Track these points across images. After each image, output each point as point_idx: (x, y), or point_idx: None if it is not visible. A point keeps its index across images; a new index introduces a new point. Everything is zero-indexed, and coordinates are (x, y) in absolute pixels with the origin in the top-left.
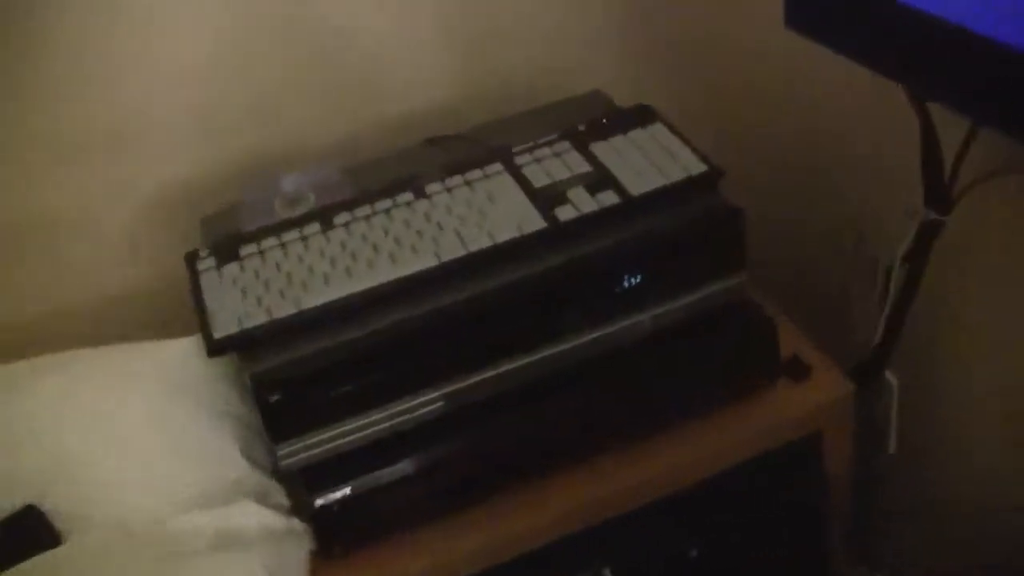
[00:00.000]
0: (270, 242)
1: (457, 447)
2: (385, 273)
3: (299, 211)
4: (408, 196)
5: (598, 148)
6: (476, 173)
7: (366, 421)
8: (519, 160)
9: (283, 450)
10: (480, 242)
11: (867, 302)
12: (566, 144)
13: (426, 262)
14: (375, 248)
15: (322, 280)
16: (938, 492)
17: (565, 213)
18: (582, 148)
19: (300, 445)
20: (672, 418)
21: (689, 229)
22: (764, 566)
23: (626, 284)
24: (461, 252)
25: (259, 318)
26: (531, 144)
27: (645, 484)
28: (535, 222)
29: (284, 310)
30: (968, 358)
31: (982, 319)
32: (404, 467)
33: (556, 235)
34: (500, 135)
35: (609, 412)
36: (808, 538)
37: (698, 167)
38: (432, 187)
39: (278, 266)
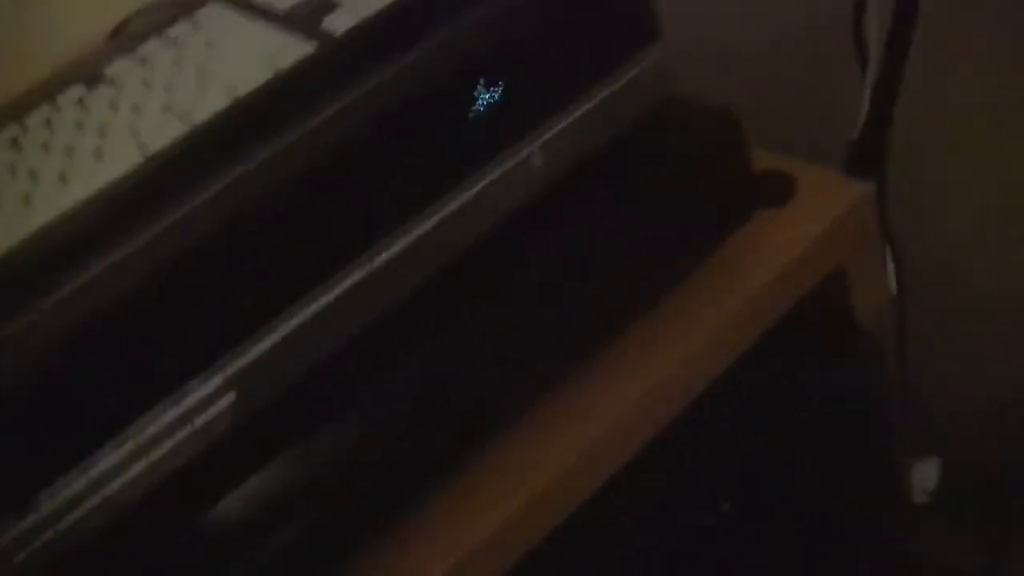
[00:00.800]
0: None
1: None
2: (54, 206)
3: None
4: (77, 91)
5: None
6: (182, 26)
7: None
8: None
9: None
10: (210, 105)
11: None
12: None
13: (124, 164)
14: (33, 177)
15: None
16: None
17: (340, 22)
18: None
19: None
20: (623, 311)
21: None
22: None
23: (480, 105)
24: (180, 129)
25: None
26: None
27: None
28: (294, 48)
29: None
30: None
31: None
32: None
33: (336, 59)
34: None
35: (541, 328)
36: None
37: None
38: (115, 67)
39: None
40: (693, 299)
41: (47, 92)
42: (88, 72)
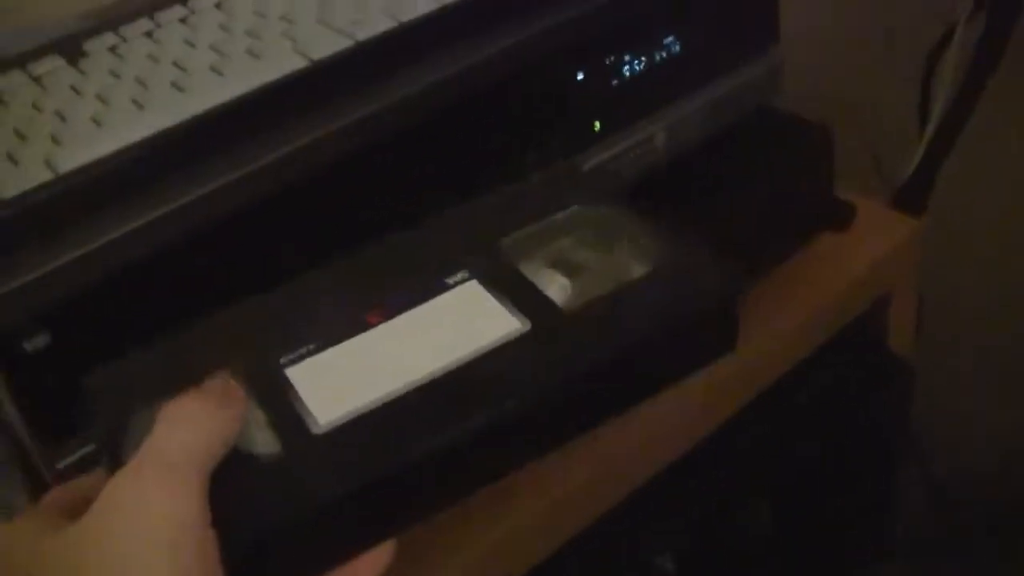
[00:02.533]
0: None
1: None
2: (212, 95)
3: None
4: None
5: None
6: None
7: None
8: None
9: (67, 460)
10: (374, 26)
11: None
12: None
13: (284, 66)
14: (180, 67)
15: (88, 125)
16: None
17: None
18: None
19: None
20: None
21: None
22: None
23: (627, 72)
24: (345, 43)
25: None
26: None
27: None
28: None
29: (23, 182)
30: None
31: None
32: None
33: (498, 4)
34: None
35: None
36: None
37: None
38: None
39: None
40: (756, 311)
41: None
42: None
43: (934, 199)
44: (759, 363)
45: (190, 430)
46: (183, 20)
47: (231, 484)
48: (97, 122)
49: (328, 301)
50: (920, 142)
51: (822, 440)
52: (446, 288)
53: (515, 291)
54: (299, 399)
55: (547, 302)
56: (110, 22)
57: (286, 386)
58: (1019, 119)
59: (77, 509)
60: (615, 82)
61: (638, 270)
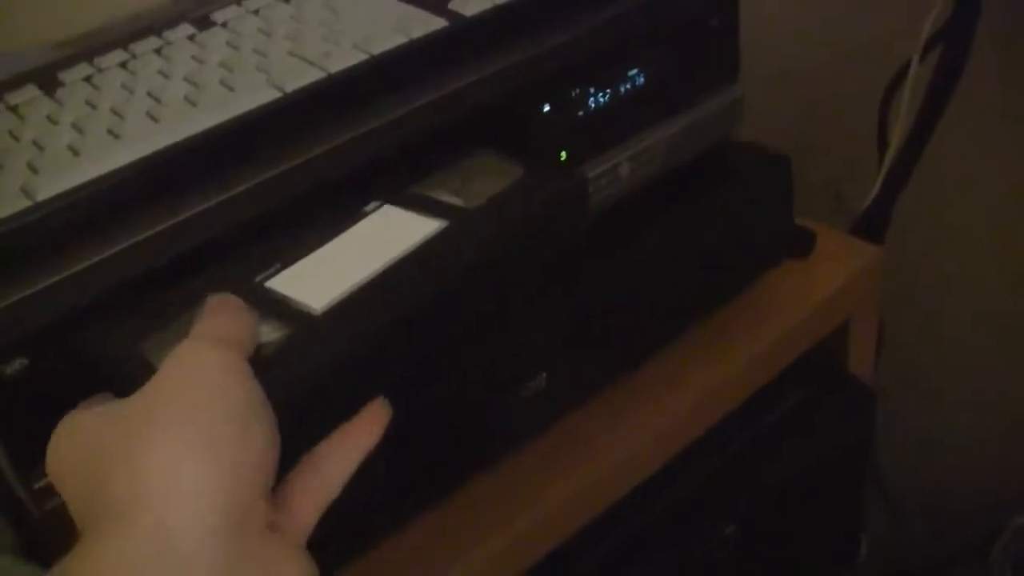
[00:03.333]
0: None
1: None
2: (186, 126)
3: None
4: (186, 30)
5: None
6: None
7: None
8: None
9: (44, 481)
10: (345, 59)
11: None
12: None
13: (257, 97)
14: (154, 97)
15: (65, 154)
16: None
17: (470, 7)
18: None
19: None
20: (662, 332)
21: (675, 12)
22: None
23: (592, 104)
24: (317, 75)
25: None
26: None
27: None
28: (428, 22)
29: (1, 209)
30: None
31: None
32: None
33: (465, 39)
34: None
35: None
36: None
37: None
38: (224, 13)
39: None
40: (719, 337)
41: (147, 29)
42: (193, 15)
43: (893, 226)
44: (723, 388)
45: (232, 318)
46: (157, 51)
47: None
48: (74, 151)
49: (284, 236)
50: (879, 171)
51: (787, 463)
52: (367, 214)
53: (423, 206)
54: (289, 298)
55: (451, 205)
56: (86, 52)
57: (273, 294)
58: (977, 144)
59: None
60: (580, 113)
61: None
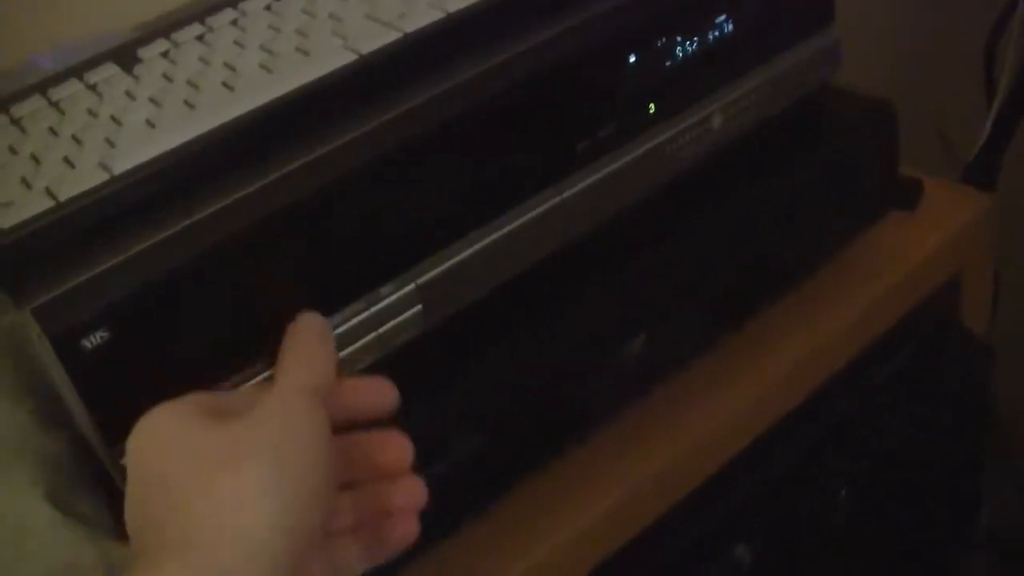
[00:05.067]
0: (31, 106)
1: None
2: (263, 91)
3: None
4: (260, 1)
5: None
6: None
7: None
8: None
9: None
10: (421, 18)
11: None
12: None
13: (335, 60)
14: (230, 67)
15: (143, 128)
16: None
17: None
18: None
19: None
20: (767, 289)
21: None
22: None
23: (680, 53)
24: (393, 36)
25: (30, 208)
26: None
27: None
28: None
29: (79, 183)
30: None
31: None
32: None
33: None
34: None
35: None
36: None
37: None
38: None
39: (53, 131)
40: (826, 291)
41: (223, 2)
42: None
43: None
44: (829, 347)
45: (318, 359)
46: (234, 22)
47: None
48: (151, 124)
49: None
50: (987, 114)
51: (898, 423)
52: None
53: None
54: None
55: None
56: (163, 30)
57: None
58: None
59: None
60: (668, 64)
61: None
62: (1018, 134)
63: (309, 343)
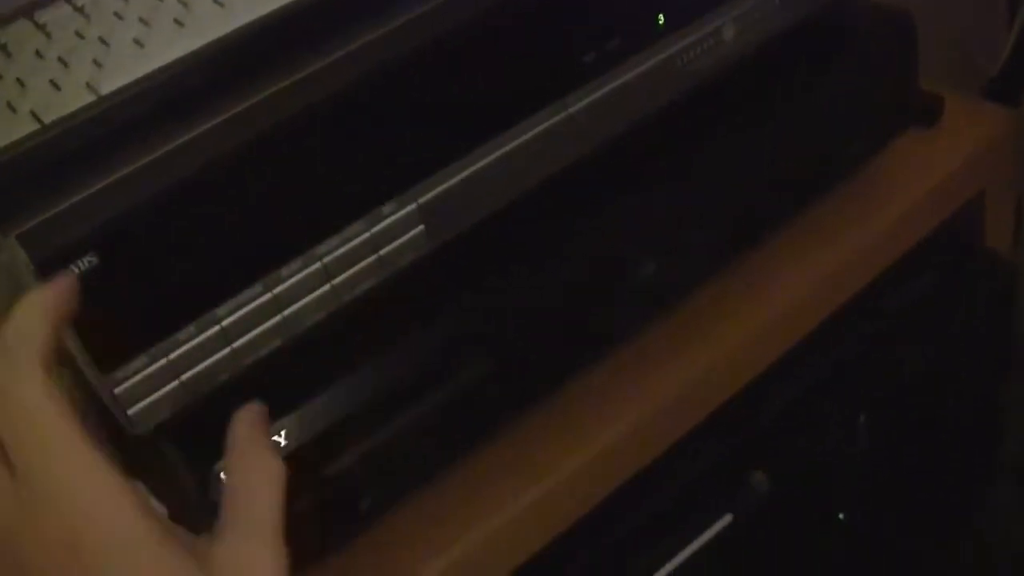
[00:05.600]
0: (16, 29)
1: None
2: (255, 5)
3: None
4: None
5: None
6: None
7: (279, 291)
8: None
9: (121, 386)
10: None
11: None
12: None
13: None
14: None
15: (131, 48)
16: None
17: None
18: None
19: (157, 366)
20: (781, 208)
21: None
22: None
23: None
24: None
25: (15, 131)
26: None
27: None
28: None
29: (65, 105)
30: None
31: None
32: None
33: None
34: None
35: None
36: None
37: None
38: None
39: (39, 54)
40: (842, 212)
41: None
42: None
43: None
44: (847, 269)
45: (265, 493)
46: None
47: None
48: (139, 43)
49: None
50: (1010, 29)
51: (920, 348)
52: None
53: None
54: None
55: None
56: None
57: None
58: None
59: None
60: None
61: None
62: None
63: (259, 473)
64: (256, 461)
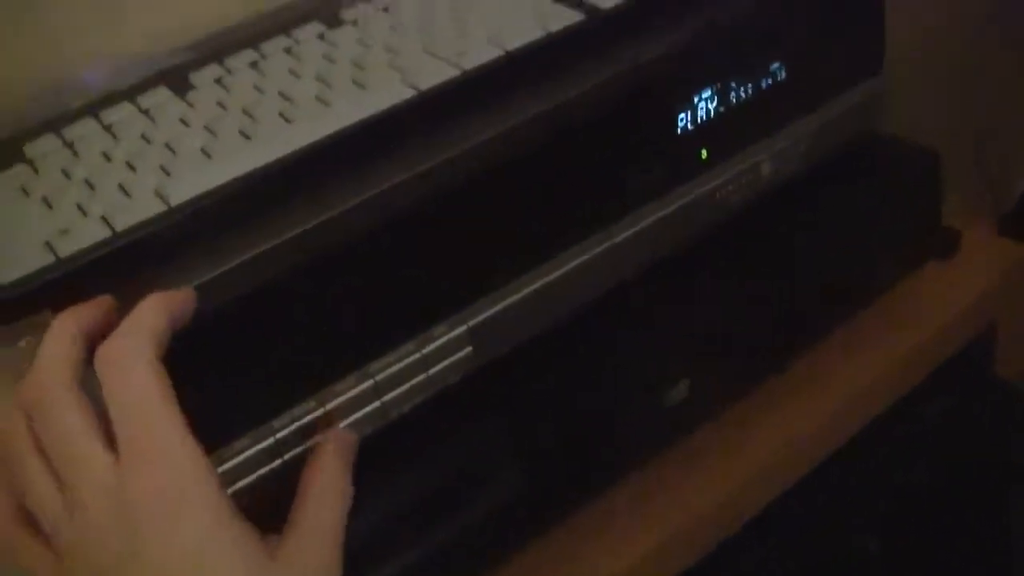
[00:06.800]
0: (83, 128)
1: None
2: (320, 124)
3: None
4: (315, 28)
5: None
6: None
7: (331, 407)
8: None
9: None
10: (480, 55)
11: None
12: None
13: (393, 95)
14: (286, 98)
15: (198, 156)
16: None
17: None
18: None
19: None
20: (803, 335)
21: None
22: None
23: (733, 99)
24: (452, 73)
25: (90, 235)
26: None
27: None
28: (563, 15)
29: (136, 212)
30: None
31: None
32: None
33: (604, 32)
34: None
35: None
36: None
37: None
38: (352, 11)
39: (106, 156)
40: (862, 338)
41: (275, 25)
42: (323, 13)
43: None
44: (864, 395)
45: (334, 503)
46: (287, 50)
47: None
48: (207, 153)
49: None
50: None
51: (932, 469)
52: None
53: None
54: None
55: None
56: (215, 53)
57: None
58: None
59: None
60: (722, 109)
61: None
62: None
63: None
64: (332, 476)
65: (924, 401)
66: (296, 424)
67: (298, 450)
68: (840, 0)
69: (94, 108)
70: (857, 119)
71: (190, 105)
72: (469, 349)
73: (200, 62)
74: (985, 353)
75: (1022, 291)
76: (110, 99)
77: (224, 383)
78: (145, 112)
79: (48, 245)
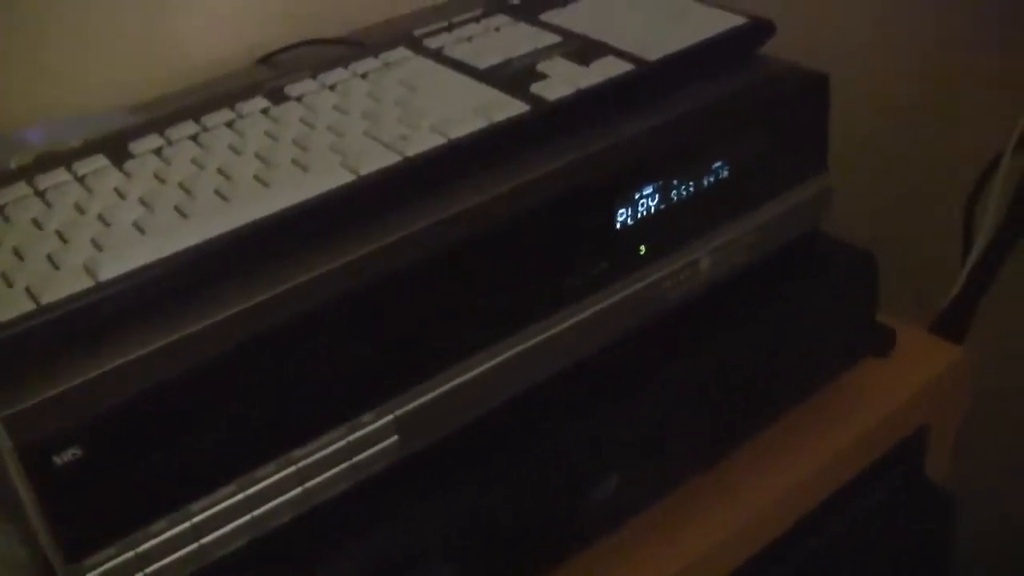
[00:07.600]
0: (16, 192)
1: (437, 519)
2: (257, 205)
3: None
4: (259, 103)
5: (555, 16)
6: (370, 63)
7: (252, 492)
8: (433, 42)
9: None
10: (423, 142)
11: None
12: (502, 18)
13: (331, 180)
14: (224, 175)
15: (131, 232)
16: None
17: (551, 90)
18: (530, 18)
19: (124, 558)
20: (739, 429)
21: (762, 100)
22: None
23: (674, 196)
24: (394, 159)
25: (10, 309)
26: (444, 24)
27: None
28: (509, 106)
29: (62, 288)
30: None
31: None
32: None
33: (548, 124)
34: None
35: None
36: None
37: (735, 20)
38: (299, 87)
39: (37, 223)
40: (794, 435)
41: (220, 100)
42: (267, 88)
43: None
44: (796, 491)
45: None
46: (229, 124)
47: None
48: (140, 228)
49: None
50: (962, 268)
51: (861, 570)
52: None
53: None
54: None
55: None
56: (157, 123)
57: None
58: None
59: None
60: (662, 206)
61: None
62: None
63: None
64: None
65: (854, 500)
66: (215, 508)
67: (214, 535)
68: (784, 100)
69: (29, 172)
70: (801, 217)
71: (127, 175)
72: (395, 438)
73: (140, 130)
74: (916, 454)
75: (955, 392)
76: (45, 163)
77: (144, 465)
78: (81, 179)
79: None
